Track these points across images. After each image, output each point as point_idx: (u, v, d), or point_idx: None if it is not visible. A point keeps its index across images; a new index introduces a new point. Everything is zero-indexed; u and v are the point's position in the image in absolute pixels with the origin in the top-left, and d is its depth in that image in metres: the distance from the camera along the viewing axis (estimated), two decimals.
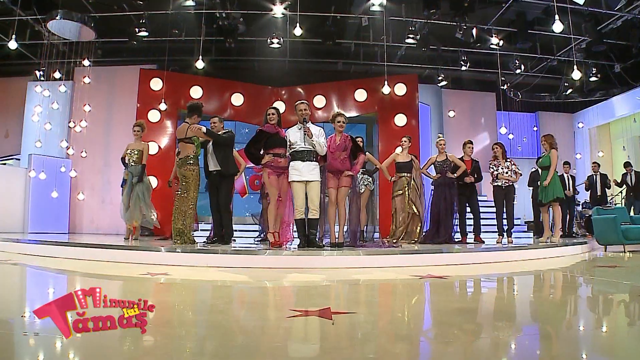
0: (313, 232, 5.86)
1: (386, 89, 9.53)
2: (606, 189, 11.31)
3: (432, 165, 8.16)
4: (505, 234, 8.01)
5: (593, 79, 13.31)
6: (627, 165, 11.46)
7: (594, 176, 11.44)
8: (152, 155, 11.11)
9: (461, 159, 8.17)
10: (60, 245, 5.60)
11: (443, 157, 8.06)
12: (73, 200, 11.98)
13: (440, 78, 13.87)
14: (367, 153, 7.46)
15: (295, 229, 6.13)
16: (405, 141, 8.06)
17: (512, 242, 7.76)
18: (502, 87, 14.14)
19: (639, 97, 13.15)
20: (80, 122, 11.36)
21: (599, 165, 11.61)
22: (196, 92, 11.85)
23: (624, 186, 11.43)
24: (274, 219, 6.02)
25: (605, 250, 8.19)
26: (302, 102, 6.05)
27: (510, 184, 8.02)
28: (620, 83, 13.71)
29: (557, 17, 6.41)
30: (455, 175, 7.88)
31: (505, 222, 8.10)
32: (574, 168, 13.86)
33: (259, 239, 8.15)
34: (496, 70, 14.11)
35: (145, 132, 8.16)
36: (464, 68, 12.90)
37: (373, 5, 9.45)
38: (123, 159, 7.85)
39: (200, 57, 9.38)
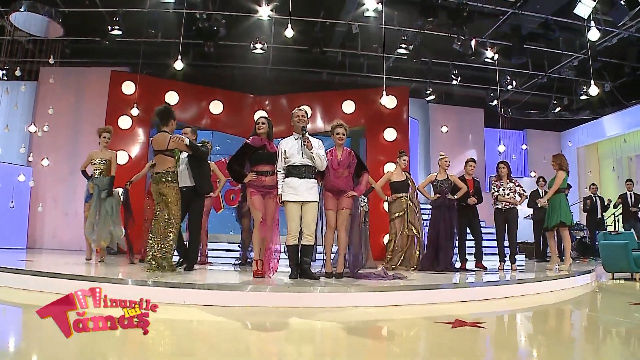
0: (307, 260, 5.09)
1: (384, 100, 8.95)
2: (604, 212, 10.87)
3: (431, 184, 7.52)
4: (506, 260, 7.48)
5: (583, 97, 13.04)
6: (628, 181, 10.91)
7: (593, 198, 11.00)
8: (122, 165, 10.21)
9: (462, 177, 7.60)
10: (6, 272, 4.69)
11: (444, 176, 7.42)
12: (33, 212, 10.92)
13: (428, 92, 13.38)
14: None
15: (281, 256, 5.37)
16: (404, 159, 7.43)
17: (515, 270, 7.22)
18: (491, 104, 13.75)
19: (628, 117, 12.91)
20: (43, 127, 10.41)
21: (597, 187, 11.18)
22: (172, 97, 11.01)
23: (620, 207, 10.97)
24: (259, 245, 5.24)
25: (613, 278, 7.69)
26: (300, 109, 5.30)
27: (512, 207, 7.46)
28: (610, 102, 13.46)
29: (592, 23, 5.87)
30: (456, 197, 7.29)
31: (507, 246, 7.55)
32: None
33: (238, 262, 7.38)
34: (486, 86, 13.74)
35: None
36: (454, 82, 12.42)
37: (367, 10, 8.85)
38: (84, 171, 7.01)
39: (179, 57, 8.54)
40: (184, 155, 5.98)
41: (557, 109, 13.98)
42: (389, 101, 11.07)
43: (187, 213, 5.90)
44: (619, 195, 11.09)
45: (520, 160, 14.44)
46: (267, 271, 5.12)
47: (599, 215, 10.82)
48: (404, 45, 10.68)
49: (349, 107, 11.23)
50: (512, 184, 7.56)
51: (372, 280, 5.09)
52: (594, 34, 6.12)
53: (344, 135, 5.48)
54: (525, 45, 11.01)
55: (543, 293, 5.39)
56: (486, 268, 7.38)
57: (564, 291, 5.79)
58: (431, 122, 14.23)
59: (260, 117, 5.46)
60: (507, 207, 7.46)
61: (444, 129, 13.35)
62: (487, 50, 10.92)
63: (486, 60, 11.12)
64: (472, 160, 7.75)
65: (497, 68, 12.19)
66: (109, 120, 10.39)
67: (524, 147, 14.38)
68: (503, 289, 4.93)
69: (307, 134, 5.12)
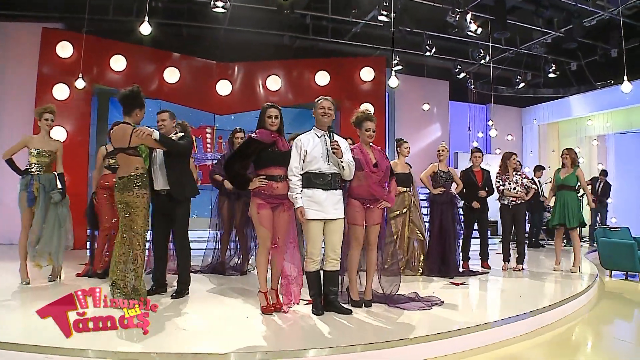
0: (334, 289, 4.17)
1: (393, 81, 8.15)
2: None
3: (431, 177, 6.75)
4: (510, 260, 7.02)
5: (552, 75, 12.76)
6: (603, 173, 10.91)
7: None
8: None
9: (470, 168, 6.99)
10: None
11: (445, 167, 6.70)
12: None
13: (395, 62, 12.51)
14: None
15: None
16: (406, 146, 6.57)
17: (522, 270, 6.82)
18: (457, 76, 13.17)
19: (594, 98, 12.81)
20: None
21: None
22: (118, 62, 9.40)
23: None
24: (264, 274, 4.12)
25: (611, 275, 7.41)
26: (326, 98, 4.21)
27: (520, 202, 6.94)
28: (577, 82, 13.32)
29: None
30: (455, 191, 6.66)
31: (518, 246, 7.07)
32: (526, 166, 13.37)
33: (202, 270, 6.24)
34: (453, 58, 13.09)
35: None
36: (428, 54, 11.64)
37: None
38: (11, 160, 5.17)
39: (146, 17, 6.98)
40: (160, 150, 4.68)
41: (521, 85, 13.67)
42: (366, 73, 10.15)
43: (166, 223, 4.79)
44: (590, 178, 11.00)
45: (486, 137, 14.07)
46: (288, 303, 4.15)
47: None
48: (385, 12, 9.67)
49: (323, 78, 10.17)
50: (518, 177, 7.03)
51: (407, 308, 4.30)
52: None
53: (374, 132, 4.50)
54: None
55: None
56: (489, 267, 6.90)
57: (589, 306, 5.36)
58: (396, 93, 13.44)
59: (272, 108, 4.15)
60: (514, 202, 6.94)
61: (426, 107, 12.58)
62: (470, 23, 10.17)
63: (469, 33, 10.36)
64: (477, 150, 7.11)
65: (470, 41, 11.56)
66: (41, 89, 8.69)
67: (491, 123, 13.97)
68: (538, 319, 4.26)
69: (335, 138, 4.08)
